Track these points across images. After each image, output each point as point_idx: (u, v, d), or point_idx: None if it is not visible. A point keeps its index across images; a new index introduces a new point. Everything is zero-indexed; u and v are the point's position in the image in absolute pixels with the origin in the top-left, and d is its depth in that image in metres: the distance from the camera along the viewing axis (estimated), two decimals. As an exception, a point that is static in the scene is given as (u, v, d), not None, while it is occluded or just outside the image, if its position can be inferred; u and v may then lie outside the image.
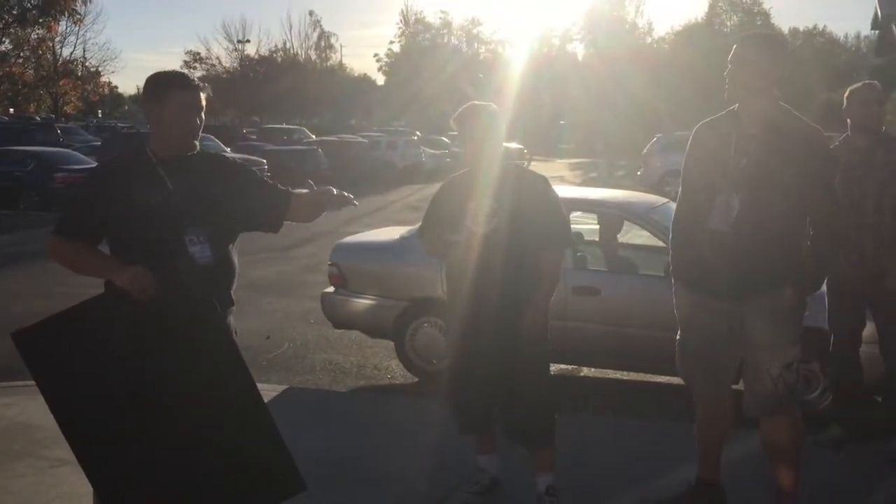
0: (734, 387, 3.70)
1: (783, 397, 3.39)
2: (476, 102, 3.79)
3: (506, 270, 3.59)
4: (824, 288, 4.57)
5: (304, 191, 3.13)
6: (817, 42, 64.71)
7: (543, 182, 3.77)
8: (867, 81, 4.65)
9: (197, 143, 3.00)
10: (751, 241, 3.29)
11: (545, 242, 3.66)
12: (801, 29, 66.29)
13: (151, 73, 3.01)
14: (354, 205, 3.13)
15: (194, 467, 2.83)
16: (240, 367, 2.90)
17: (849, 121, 4.54)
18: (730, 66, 3.36)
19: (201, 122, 2.98)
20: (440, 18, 60.13)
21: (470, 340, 3.71)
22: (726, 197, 3.33)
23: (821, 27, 69.21)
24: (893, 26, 26.07)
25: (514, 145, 30.39)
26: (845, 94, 4.58)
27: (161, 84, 2.96)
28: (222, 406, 2.84)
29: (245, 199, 3.06)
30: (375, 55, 62.58)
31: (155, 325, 2.78)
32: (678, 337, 3.64)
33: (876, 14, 29.24)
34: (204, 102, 3.01)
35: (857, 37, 68.09)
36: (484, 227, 3.61)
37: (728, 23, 55.90)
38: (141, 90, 3.48)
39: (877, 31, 30.81)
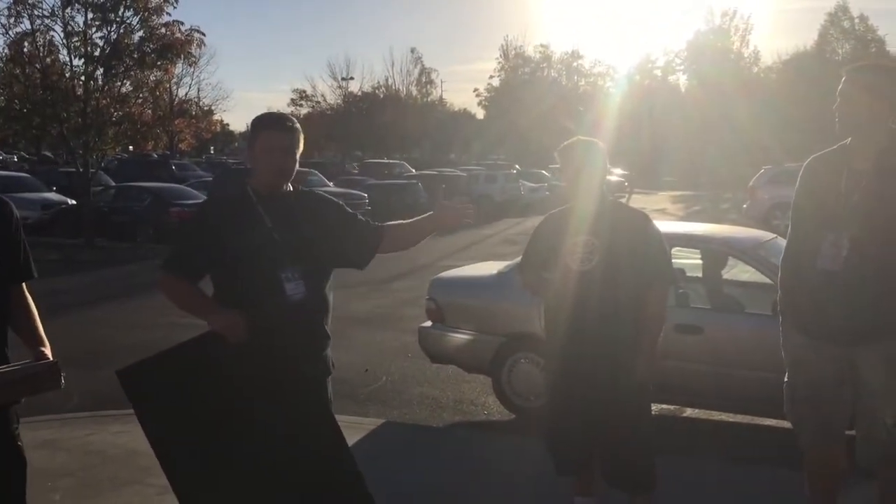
0: (847, 432, 3.50)
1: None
2: (581, 137, 3.76)
3: (603, 309, 3.52)
4: None
5: (413, 219, 3.20)
6: (937, 68, 61.63)
7: (643, 219, 3.70)
8: None
9: (286, 182, 3.06)
10: (862, 282, 3.12)
11: (647, 281, 3.57)
12: (920, 55, 63.40)
13: (260, 110, 3.11)
14: (468, 221, 3.23)
15: (281, 500, 2.88)
16: (326, 416, 2.97)
17: None
18: (839, 98, 3.23)
19: (291, 162, 3.02)
20: (540, 52, 60.37)
21: (568, 380, 3.64)
22: (836, 235, 3.17)
23: (941, 53, 65.79)
24: None
25: (615, 177, 30.04)
26: None
27: (255, 124, 3.08)
28: (309, 452, 2.91)
29: (336, 236, 3.11)
30: (475, 90, 63.18)
31: (250, 368, 2.86)
32: (786, 380, 3.47)
33: None
34: (295, 143, 3.02)
35: (981, 62, 64.52)
36: (581, 265, 3.56)
37: (840, 51, 53.91)
38: (249, 127, 3.60)
39: None
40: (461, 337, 6.36)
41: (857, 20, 54.38)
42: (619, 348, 3.54)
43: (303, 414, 2.93)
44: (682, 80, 57.80)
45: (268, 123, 3.04)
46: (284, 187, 3.08)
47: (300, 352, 2.96)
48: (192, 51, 17.99)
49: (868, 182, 3.16)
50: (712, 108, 45.07)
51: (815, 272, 3.23)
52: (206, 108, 38.53)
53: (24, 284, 2.82)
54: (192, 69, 30.50)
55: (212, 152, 62.63)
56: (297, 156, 3.05)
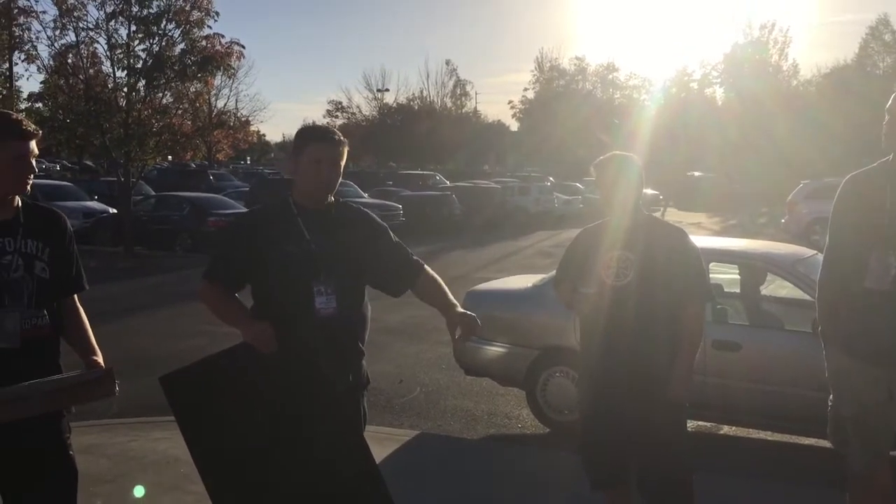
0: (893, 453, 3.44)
1: None
2: (617, 152, 3.76)
3: (638, 324, 3.51)
4: None
5: (458, 310, 3.11)
6: (981, 82, 60.55)
7: (680, 234, 3.69)
8: None
9: (330, 195, 3.07)
10: None
11: (683, 298, 3.56)
12: (964, 69, 62.25)
13: (296, 122, 3.15)
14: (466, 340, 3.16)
15: None
16: (353, 433, 2.99)
17: None
18: (887, 114, 3.19)
19: (336, 175, 3.03)
20: (575, 65, 60.33)
21: (602, 394, 3.63)
22: (884, 253, 3.13)
23: None
24: None
25: (649, 191, 29.84)
26: None
27: (300, 136, 3.09)
28: (335, 469, 2.93)
29: (378, 261, 3.13)
30: (510, 101, 63.25)
31: (284, 379, 2.90)
32: (830, 401, 3.43)
33: None
34: (341, 156, 3.04)
35: None
36: (616, 280, 3.55)
37: (881, 64, 53.09)
38: (286, 138, 3.64)
39: None
40: (496, 350, 6.37)
41: (898, 33, 53.56)
42: (654, 364, 3.52)
43: (329, 430, 2.95)
44: (718, 92, 57.34)
45: (316, 135, 3.05)
46: (327, 199, 3.10)
47: (329, 366, 2.97)
48: (232, 63, 18.24)
49: None
50: (750, 122, 44.61)
51: (860, 291, 3.19)
52: (243, 119, 38.95)
53: (75, 296, 2.89)
54: (230, 81, 30.90)
55: (248, 162, 63.33)
56: (342, 168, 3.07)
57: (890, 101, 3.21)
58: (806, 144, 38.32)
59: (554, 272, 6.42)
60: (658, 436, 3.53)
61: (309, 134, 3.08)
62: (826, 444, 3.72)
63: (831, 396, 3.42)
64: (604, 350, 3.59)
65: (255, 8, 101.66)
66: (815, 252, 6.26)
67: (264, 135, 69.04)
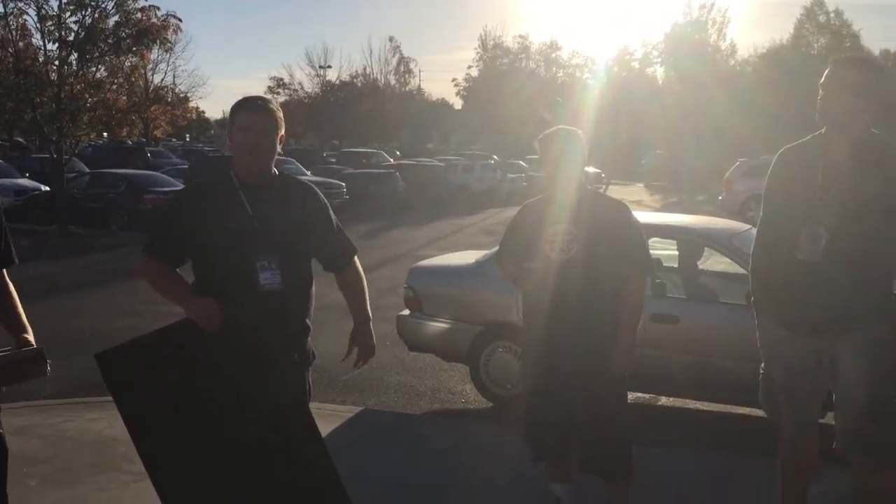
0: (821, 421, 3.55)
1: (879, 436, 3.23)
2: (561, 127, 3.77)
3: (583, 298, 3.54)
4: None
5: (365, 332, 3.27)
6: (910, 64, 62.45)
7: (623, 208, 3.72)
8: None
9: (261, 165, 2.98)
10: (842, 271, 3.16)
11: (625, 271, 3.60)
12: (893, 50, 64.10)
13: (237, 98, 3.08)
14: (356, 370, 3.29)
15: (254, 492, 2.90)
16: (299, 408, 2.98)
17: None
18: (821, 90, 3.26)
19: (266, 143, 2.94)
20: (518, 43, 60.38)
21: (546, 367, 3.67)
22: (814, 226, 3.20)
23: (915, 48, 66.54)
24: None
25: (591, 170, 30.15)
26: None
27: (232, 107, 3.03)
28: (281, 445, 2.91)
29: (316, 236, 3.12)
30: (454, 80, 63.12)
31: (227, 355, 2.86)
32: (762, 370, 3.52)
33: (974, 34, 28.07)
34: (268, 124, 2.94)
35: (955, 58, 65.39)
36: (561, 254, 3.57)
37: (815, 45, 54.36)
38: (226, 115, 3.58)
39: (975, 52, 29.64)
40: (439, 325, 6.38)
41: (832, 14, 54.88)
42: (597, 337, 3.56)
43: (274, 405, 2.92)
44: (659, 72, 58.07)
45: (244, 105, 3.00)
46: (269, 173, 3.03)
47: (274, 342, 2.94)
48: (169, 36, 17.81)
49: (846, 174, 3.19)
50: (689, 101, 45.31)
51: (791, 263, 3.25)
52: (181, 95, 38.03)
53: (4, 271, 2.79)
54: (167, 55, 30.10)
55: (187, 139, 62.06)
56: (276, 138, 2.98)
57: (823, 77, 3.27)
58: (743, 123, 39.05)
59: (497, 248, 6.49)
60: (600, 408, 3.58)
61: (238, 104, 3.01)
62: (759, 412, 3.82)
63: (763, 365, 3.50)
64: (548, 323, 3.61)
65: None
66: (750, 227, 6.39)
67: (203, 111, 67.79)
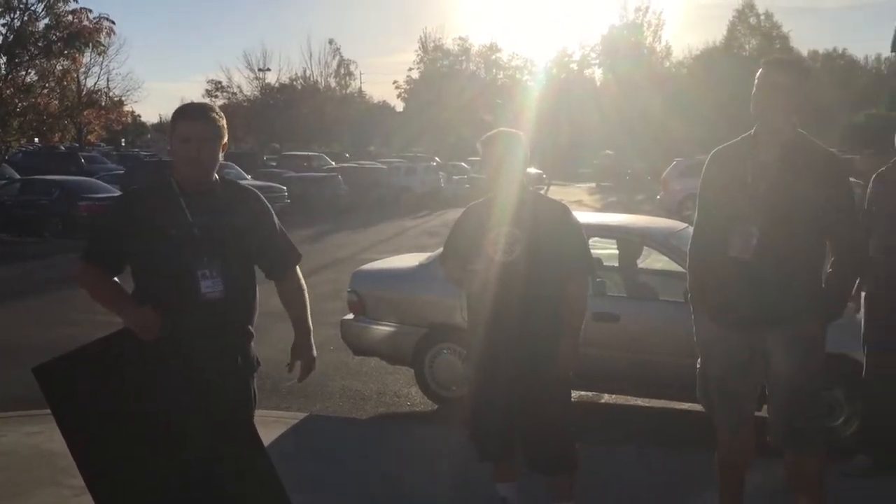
0: (757, 414, 3.66)
1: (808, 427, 3.35)
2: (503, 129, 3.81)
3: (526, 299, 3.58)
4: (855, 314, 4.54)
5: (307, 343, 3.23)
6: (837, 64, 64.53)
7: (564, 210, 3.78)
8: None
9: (203, 174, 2.96)
10: (772, 269, 3.26)
11: (568, 271, 3.65)
12: (821, 51, 66.23)
13: (174, 101, 3.06)
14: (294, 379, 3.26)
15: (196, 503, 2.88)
16: (242, 417, 2.96)
17: None
18: (755, 87, 3.36)
19: (209, 154, 2.92)
20: (458, 45, 60.56)
21: (490, 368, 3.70)
22: (745, 224, 3.30)
23: (840, 50, 68.87)
24: (914, 48, 26.01)
25: (532, 171, 30.41)
26: None
27: (173, 115, 3.00)
28: (223, 455, 2.89)
29: (258, 242, 3.08)
30: (395, 82, 62.92)
31: (163, 367, 2.83)
32: (698, 365, 3.61)
33: (896, 36, 29.23)
34: (211, 134, 2.92)
35: (878, 59, 67.81)
36: (504, 256, 3.61)
37: (747, 46, 55.83)
38: (163, 118, 3.54)
39: (896, 54, 30.84)
40: (383, 329, 6.38)
41: (762, 17, 56.51)
42: (541, 337, 3.61)
43: (217, 415, 2.89)
44: (597, 73, 58.92)
45: (185, 113, 2.96)
46: (208, 178, 3.00)
47: (216, 351, 2.91)
48: (101, 39, 17.42)
49: (775, 174, 3.30)
50: (627, 102, 46.07)
51: (725, 261, 3.35)
52: (116, 99, 37.17)
53: None
54: (101, 58, 29.44)
55: (123, 144, 60.66)
56: (218, 147, 2.96)
57: (756, 78, 3.37)
58: (678, 124, 39.87)
59: (440, 250, 6.51)
60: (543, 409, 3.64)
61: (179, 112, 2.98)
62: (700, 408, 3.92)
63: (699, 361, 3.60)
64: (492, 324, 3.65)
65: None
66: (687, 225, 6.54)
67: (139, 115, 66.22)
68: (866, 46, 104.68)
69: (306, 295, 3.26)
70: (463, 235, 3.84)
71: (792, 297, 3.28)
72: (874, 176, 4.57)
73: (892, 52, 32.12)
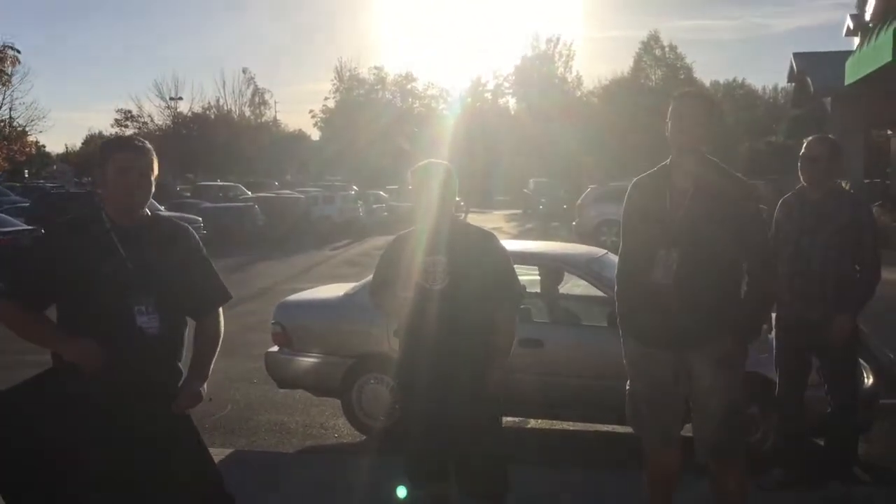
0: (683, 434, 3.78)
1: (730, 442, 3.49)
2: (432, 160, 3.88)
3: (455, 325, 3.63)
4: (767, 334, 4.75)
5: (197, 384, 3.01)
6: (737, 94, 67.55)
7: (491, 237, 3.86)
8: (820, 136, 4.79)
9: (141, 206, 2.97)
10: (691, 292, 3.41)
11: (496, 297, 3.72)
12: (722, 82, 69.24)
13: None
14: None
15: None
16: (187, 449, 2.93)
17: (801, 173, 4.66)
18: (668, 123, 3.52)
19: (145, 185, 2.92)
20: (374, 74, 60.88)
21: (421, 393, 3.73)
22: (666, 251, 3.45)
23: (740, 80, 72.27)
24: (808, 79, 27.49)
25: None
26: (802, 149, 4.69)
27: (104, 146, 2.99)
28: (174, 481, 2.84)
29: (189, 278, 3.04)
30: (311, 111, 62.87)
31: (101, 405, 2.77)
32: (628, 386, 3.72)
33: (792, 68, 30.84)
34: (149, 164, 2.94)
35: (775, 89, 71.39)
36: (431, 284, 3.66)
37: (653, 77, 57.84)
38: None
39: (793, 84, 32.46)
40: (309, 360, 6.32)
41: (667, 49, 58.63)
42: (472, 362, 3.66)
43: (161, 448, 2.85)
44: (511, 102, 60.02)
45: (120, 144, 2.96)
46: (140, 213, 2.97)
47: (154, 388, 2.87)
48: (5, 69, 16.86)
49: (690, 201, 3.46)
50: (540, 130, 47.07)
51: (648, 285, 3.49)
52: (19, 129, 35.92)
53: None
54: (3, 88, 28.41)
55: (27, 176, 58.50)
56: (152, 179, 2.95)
57: (669, 111, 3.54)
58: (591, 151, 40.93)
59: (366, 280, 6.50)
60: (476, 430, 3.68)
61: (113, 144, 2.97)
62: (625, 429, 4.02)
63: (629, 381, 3.71)
64: (422, 352, 3.68)
65: (28, 10, 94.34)
66: (606, 252, 6.74)
67: (44, 146, 64.07)
68: (764, 77, 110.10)
69: (220, 341, 3.15)
70: (392, 265, 3.87)
71: (712, 319, 3.43)
72: (780, 202, 4.81)
73: (788, 82, 33.77)
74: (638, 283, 3.55)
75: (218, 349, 3.15)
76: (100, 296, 2.84)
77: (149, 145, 2.98)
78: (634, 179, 3.75)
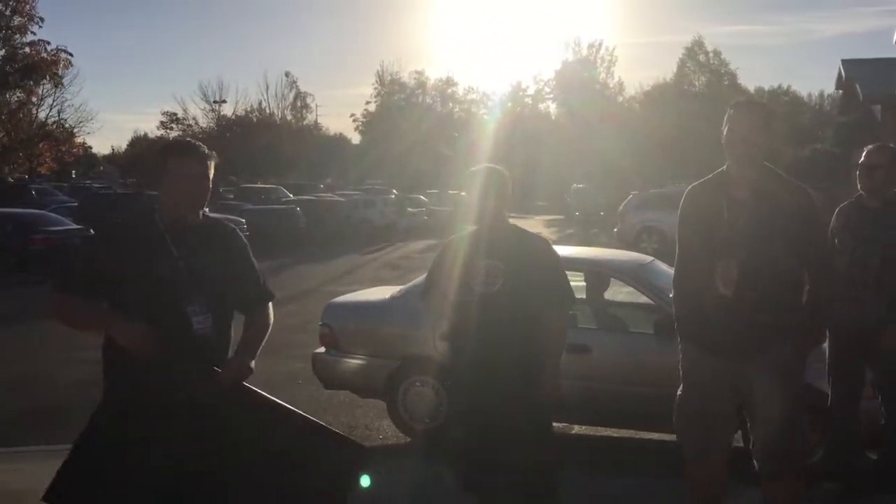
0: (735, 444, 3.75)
1: (787, 455, 3.45)
2: (487, 164, 3.91)
3: (508, 330, 3.65)
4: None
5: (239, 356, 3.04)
6: (782, 101, 66.55)
7: (546, 243, 3.88)
8: (880, 145, 4.73)
9: (199, 210, 3.02)
10: (751, 302, 3.39)
11: (549, 302, 3.73)
12: (767, 88, 68.29)
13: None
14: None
15: None
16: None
17: (859, 181, 4.62)
18: (724, 129, 3.51)
19: (205, 190, 2.98)
20: (415, 79, 61.13)
21: (472, 398, 3.75)
22: (724, 262, 3.43)
23: (785, 87, 71.22)
24: (857, 86, 27.01)
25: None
26: (861, 157, 4.64)
27: (166, 151, 3.03)
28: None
29: (236, 276, 3.09)
30: (352, 115, 63.22)
31: (166, 415, 2.81)
32: (679, 392, 3.70)
33: (840, 74, 30.31)
34: (209, 170, 2.99)
35: (822, 95, 70.20)
36: (486, 288, 3.68)
37: (696, 83, 57.26)
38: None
39: (840, 91, 31.90)
40: (355, 362, 6.38)
41: (711, 54, 57.97)
42: (523, 368, 3.67)
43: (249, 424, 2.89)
44: (552, 107, 59.85)
45: (187, 151, 2.99)
46: (197, 215, 3.02)
47: (207, 388, 2.89)
48: (59, 72, 17.25)
49: (749, 210, 3.44)
50: (580, 136, 46.85)
51: (707, 294, 3.47)
52: (68, 131, 36.68)
53: None
54: (54, 90, 29.07)
55: (73, 176, 59.68)
56: (210, 183, 3.01)
57: (725, 119, 3.52)
58: (631, 158, 40.59)
59: (413, 283, 6.55)
60: (527, 438, 3.68)
61: (175, 149, 3.01)
62: (670, 436, 3.98)
63: (680, 387, 3.69)
64: (474, 357, 3.70)
65: (79, 12, 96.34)
66: (654, 259, 6.71)
67: (90, 147, 65.36)
68: (809, 83, 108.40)
69: (269, 332, 3.19)
70: (445, 268, 3.89)
71: (772, 327, 3.40)
72: (836, 210, 4.76)
73: (836, 89, 33.15)
74: (695, 292, 3.53)
75: (266, 337, 3.16)
76: (154, 296, 2.87)
77: (208, 150, 3.02)
78: (689, 186, 3.74)
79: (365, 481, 2.92)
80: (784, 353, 3.42)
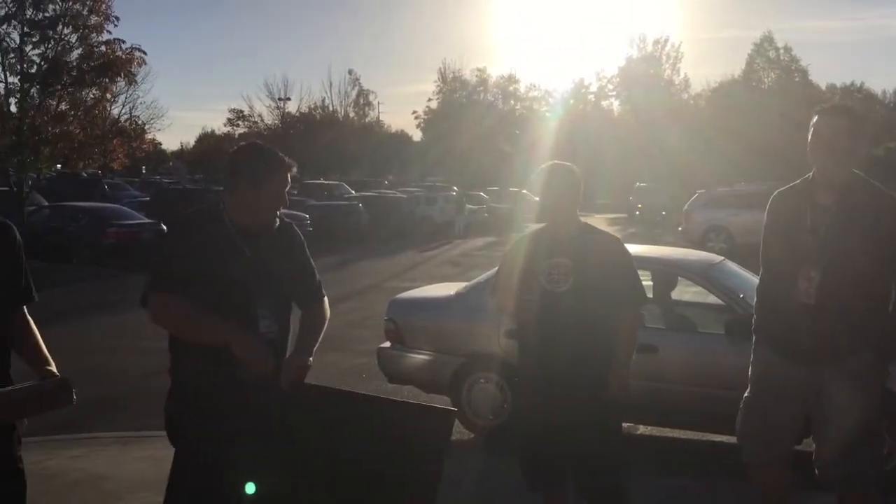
0: (798, 448, 3.66)
1: (859, 468, 3.37)
2: (557, 161, 3.87)
3: (577, 329, 3.62)
4: None
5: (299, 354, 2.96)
6: (855, 98, 64.53)
7: (617, 242, 3.84)
8: None
9: (274, 217, 2.97)
10: (833, 311, 3.32)
11: (620, 302, 3.70)
12: (839, 85, 66.29)
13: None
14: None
15: None
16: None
17: None
18: (810, 135, 3.43)
19: (286, 200, 2.95)
20: (476, 76, 61.05)
21: (541, 398, 3.73)
22: (807, 270, 3.36)
23: (858, 83, 68.90)
24: (935, 82, 25.94)
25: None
26: None
27: (269, 162, 2.91)
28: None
29: (298, 277, 3.07)
30: (413, 112, 63.53)
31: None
32: (746, 394, 3.63)
33: (917, 70, 29.15)
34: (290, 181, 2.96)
35: (896, 92, 67.82)
36: (556, 286, 3.66)
37: (766, 80, 55.95)
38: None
39: (918, 87, 30.74)
40: (420, 357, 6.42)
41: (781, 50, 56.58)
42: (592, 367, 3.64)
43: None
44: (615, 105, 59.18)
45: (276, 166, 2.91)
46: (273, 221, 2.98)
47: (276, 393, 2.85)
48: (133, 70, 17.72)
49: (833, 217, 3.36)
50: (644, 133, 46.20)
51: (788, 301, 3.41)
52: (140, 127, 37.65)
53: (24, 308, 2.78)
54: (127, 87, 29.89)
55: (144, 172, 61.30)
56: None
57: (812, 124, 3.43)
58: (696, 156, 39.85)
59: (478, 280, 6.56)
60: (595, 438, 3.65)
61: (276, 165, 2.90)
62: (735, 440, 3.89)
63: (748, 389, 3.62)
64: (544, 355, 3.69)
65: (151, 12, 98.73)
66: (724, 259, 6.60)
67: (160, 143, 67.02)
68: (884, 80, 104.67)
69: (325, 326, 3.12)
70: (515, 265, 3.87)
71: (854, 335, 3.33)
72: None
73: (912, 85, 31.97)
74: (779, 298, 3.48)
75: (322, 333, 3.09)
76: (225, 297, 2.82)
77: (292, 161, 2.97)
78: (776, 191, 3.67)
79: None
80: (864, 361, 3.34)
